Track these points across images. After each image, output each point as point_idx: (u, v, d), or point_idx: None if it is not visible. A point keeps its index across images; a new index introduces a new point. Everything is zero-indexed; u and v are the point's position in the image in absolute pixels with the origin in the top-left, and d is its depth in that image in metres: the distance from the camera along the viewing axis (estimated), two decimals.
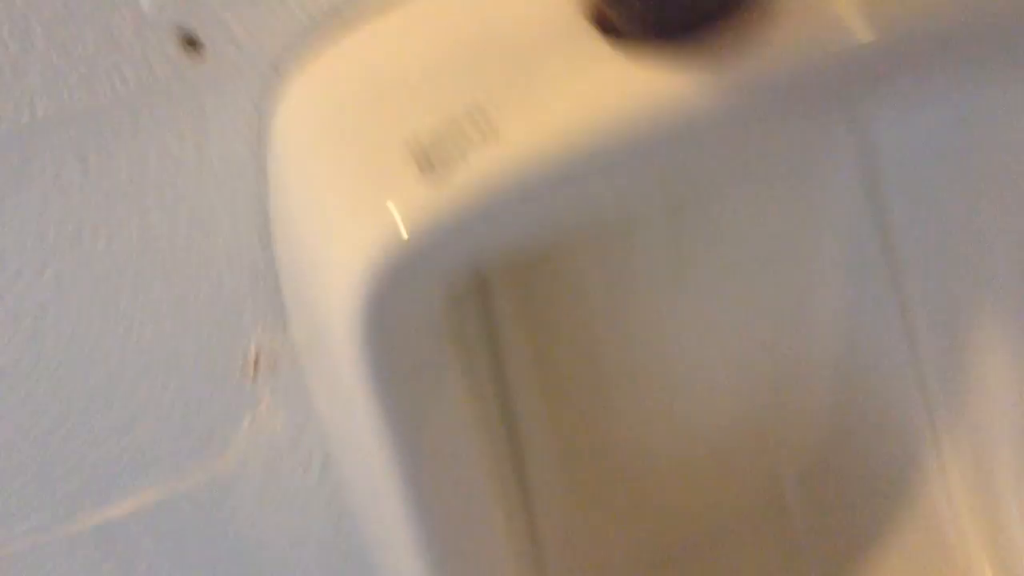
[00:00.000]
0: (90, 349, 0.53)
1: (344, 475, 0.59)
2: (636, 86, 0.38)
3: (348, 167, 0.41)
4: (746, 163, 0.47)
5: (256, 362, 0.55)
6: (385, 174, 0.39)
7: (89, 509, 0.59)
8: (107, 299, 0.51)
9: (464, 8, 0.43)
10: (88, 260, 0.49)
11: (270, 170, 0.48)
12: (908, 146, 0.49)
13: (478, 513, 0.47)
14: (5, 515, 0.58)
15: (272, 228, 0.50)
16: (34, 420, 0.54)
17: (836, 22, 0.39)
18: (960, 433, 0.55)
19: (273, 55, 0.46)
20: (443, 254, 0.38)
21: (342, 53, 0.45)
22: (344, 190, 0.41)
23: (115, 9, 0.42)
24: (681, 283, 0.56)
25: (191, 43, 0.44)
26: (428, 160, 0.38)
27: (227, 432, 0.57)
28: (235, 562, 0.63)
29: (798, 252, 0.56)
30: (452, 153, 0.38)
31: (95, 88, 0.44)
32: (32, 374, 0.53)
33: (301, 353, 0.55)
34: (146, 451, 0.57)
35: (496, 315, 0.52)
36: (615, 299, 0.55)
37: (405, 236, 0.37)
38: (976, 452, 0.54)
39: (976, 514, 0.56)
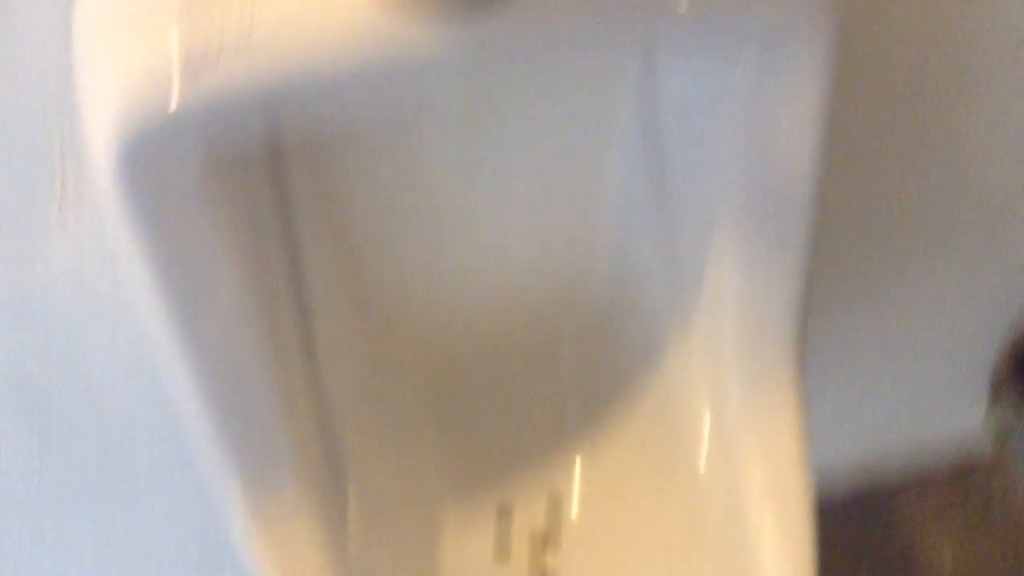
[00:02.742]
0: None
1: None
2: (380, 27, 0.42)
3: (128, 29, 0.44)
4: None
5: (63, 189, 0.59)
6: (153, 56, 0.42)
7: None
8: None
9: None
10: None
11: None
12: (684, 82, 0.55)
13: (250, 361, 0.54)
14: None
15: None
16: None
17: None
18: (699, 314, 0.64)
19: None
20: (187, 136, 0.43)
21: None
22: (120, 47, 0.44)
23: None
24: (475, 168, 0.62)
25: None
26: (190, 57, 0.41)
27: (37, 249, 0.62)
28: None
29: (584, 155, 0.63)
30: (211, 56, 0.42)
31: None
32: None
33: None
34: None
35: (290, 182, 0.57)
36: (411, 174, 0.61)
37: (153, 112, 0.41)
38: (709, 327, 0.64)
39: (705, 375, 0.66)
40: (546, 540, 0.72)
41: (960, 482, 1.34)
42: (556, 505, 0.73)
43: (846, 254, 0.92)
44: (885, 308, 1.02)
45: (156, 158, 0.43)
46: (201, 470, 0.58)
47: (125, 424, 0.80)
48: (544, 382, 0.74)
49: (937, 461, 1.34)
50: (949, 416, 1.26)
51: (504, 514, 0.72)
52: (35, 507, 0.87)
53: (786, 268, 0.57)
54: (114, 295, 0.67)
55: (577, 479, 0.73)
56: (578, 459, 0.74)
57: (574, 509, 0.73)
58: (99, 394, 0.76)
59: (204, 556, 1.05)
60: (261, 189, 0.56)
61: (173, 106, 0.41)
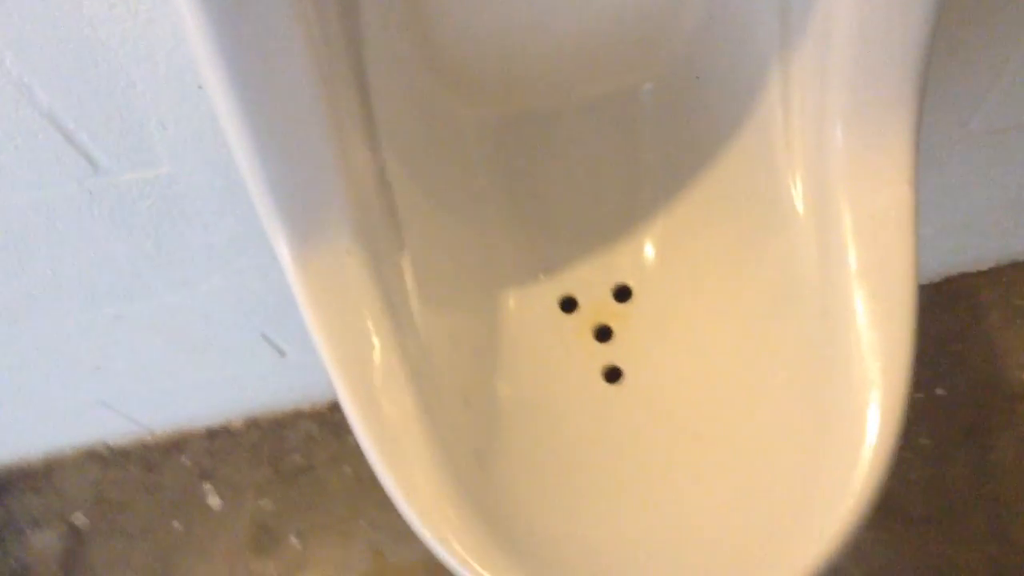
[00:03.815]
0: None
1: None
2: None
3: None
4: None
5: None
6: None
7: None
8: None
9: None
10: None
11: None
12: None
13: (303, 103, 0.48)
14: None
15: None
16: None
17: None
18: (807, 51, 0.55)
19: None
20: None
21: None
22: None
23: None
24: None
25: None
26: None
27: None
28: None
29: None
30: None
31: None
32: None
33: None
34: None
35: None
36: None
37: None
38: (816, 71, 0.54)
39: (804, 131, 0.57)
40: (617, 295, 0.67)
41: None
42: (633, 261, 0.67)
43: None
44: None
45: None
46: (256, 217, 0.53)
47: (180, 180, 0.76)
48: (619, 117, 0.67)
49: None
50: None
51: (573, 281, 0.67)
52: (89, 261, 0.85)
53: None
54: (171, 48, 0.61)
55: (653, 248, 0.67)
56: (658, 220, 0.67)
57: (649, 262, 0.67)
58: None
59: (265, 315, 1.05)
60: None
61: None
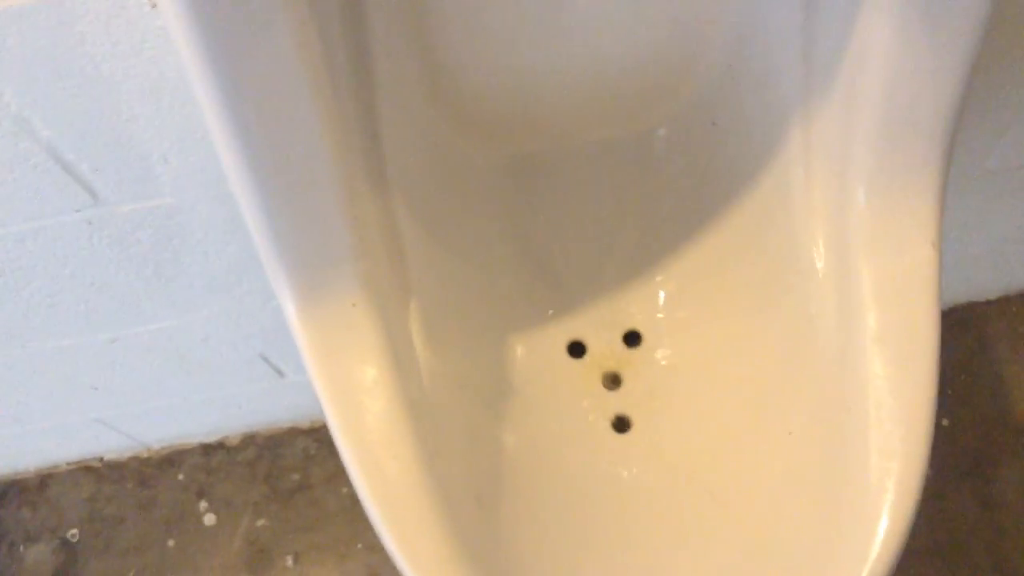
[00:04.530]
0: None
1: None
2: None
3: None
4: None
5: None
6: None
7: None
8: None
9: None
10: None
11: None
12: None
13: (308, 144, 0.46)
14: None
15: None
16: None
17: None
18: (830, 109, 0.53)
19: None
20: None
21: None
22: None
23: None
24: None
25: None
26: None
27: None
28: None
29: None
30: None
31: None
32: None
33: None
34: None
35: None
36: None
37: None
38: (840, 130, 0.53)
39: (825, 189, 0.56)
40: (627, 340, 0.66)
41: None
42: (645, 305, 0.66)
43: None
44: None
45: None
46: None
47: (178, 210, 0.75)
48: (635, 159, 0.65)
49: None
50: None
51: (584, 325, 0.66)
52: (88, 287, 0.84)
53: (950, 42, 0.46)
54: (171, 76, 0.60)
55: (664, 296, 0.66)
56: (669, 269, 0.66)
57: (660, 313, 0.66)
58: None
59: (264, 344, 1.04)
60: None
61: None
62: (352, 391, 0.52)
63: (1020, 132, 0.87)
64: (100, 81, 0.60)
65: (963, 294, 1.27)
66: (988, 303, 1.29)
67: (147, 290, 0.85)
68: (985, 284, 1.26)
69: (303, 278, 0.50)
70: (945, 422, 1.23)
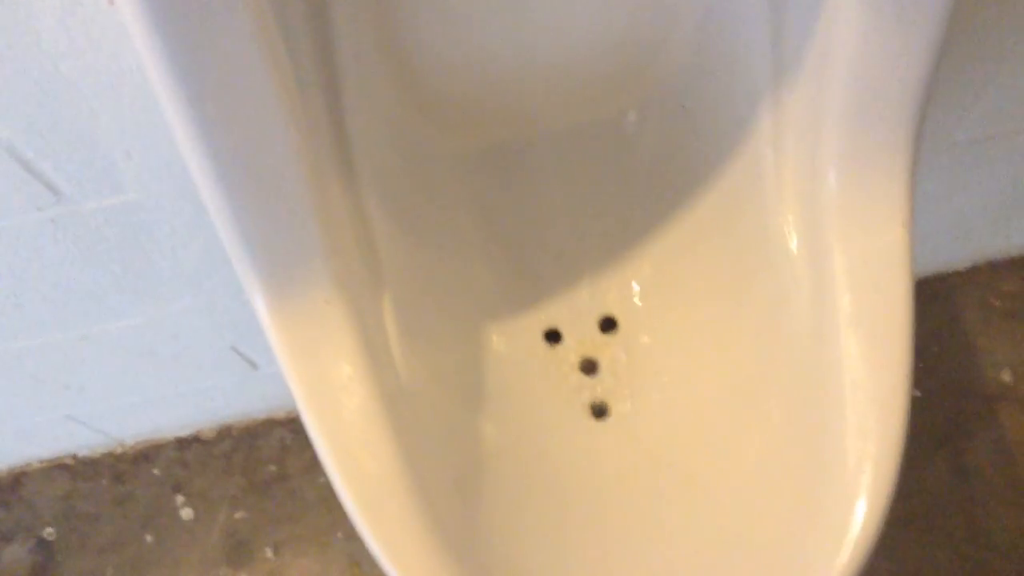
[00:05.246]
0: None
1: None
2: None
3: None
4: None
5: None
6: None
7: None
8: None
9: None
10: None
11: None
12: None
13: (272, 138, 0.45)
14: None
15: None
16: None
17: None
18: (800, 91, 0.53)
19: None
20: None
21: None
22: None
23: None
24: None
25: None
26: None
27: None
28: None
29: None
30: None
31: None
32: None
33: None
34: None
35: None
36: None
37: None
38: (810, 112, 0.53)
39: (796, 171, 0.56)
40: (602, 326, 0.66)
41: None
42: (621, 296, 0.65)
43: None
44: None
45: None
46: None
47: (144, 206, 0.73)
48: (604, 146, 0.65)
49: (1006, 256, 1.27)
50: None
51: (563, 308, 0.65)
52: (54, 286, 0.82)
53: (918, 23, 0.46)
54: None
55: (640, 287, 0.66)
56: (646, 254, 0.65)
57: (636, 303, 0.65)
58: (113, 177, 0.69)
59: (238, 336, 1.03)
60: None
61: None
62: (327, 389, 0.52)
63: (987, 104, 0.88)
64: (58, 79, 0.59)
65: (932, 265, 1.28)
66: (957, 274, 1.30)
67: (115, 287, 0.84)
68: (954, 255, 1.27)
69: (274, 276, 0.50)
70: (917, 393, 1.25)
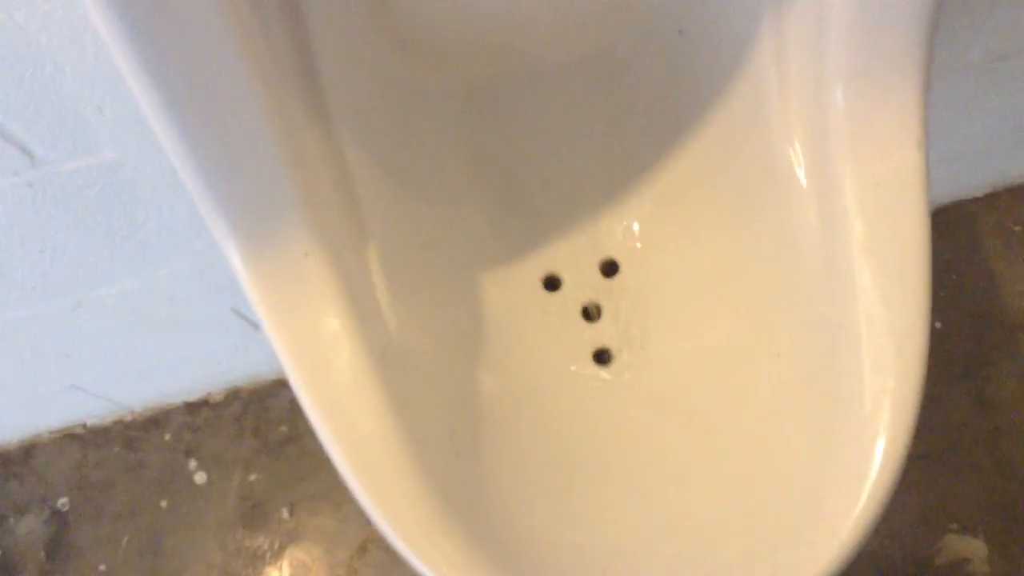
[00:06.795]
0: None
1: None
2: None
3: None
4: None
5: None
6: None
7: None
8: None
9: None
10: None
11: None
12: None
13: (235, 89, 0.42)
14: None
15: None
16: None
17: None
18: (802, 4, 0.50)
19: None
20: None
21: None
22: None
23: None
24: None
25: None
26: None
27: None
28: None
29: None
30: None
31: None
32: None
33: None
34: None
35: None
36: None
37: None
38: (813, 27, 0.49)
39: (801, 93, 0.52)
40: (604, 270, 0.63)
41: None
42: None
43: None
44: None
45: None
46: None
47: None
48: (599, 76, 0.61)
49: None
50: None
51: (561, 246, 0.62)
52: (39, 253, 0.80)
53: None
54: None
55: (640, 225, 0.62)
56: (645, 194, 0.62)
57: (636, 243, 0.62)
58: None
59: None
60: None
61: None
62: (313, 346, 0.49)
63: (1001, 21, 0.83)
64: (16, 31, 0.55)
65: (949, 193, 1.24)
66: (975, 200, 1.26)
67: (103, 251, 0.82)
68: (972, 181, 1.23)
69: (247, 228, 0.47)
70: (938, 324, 1.21)
